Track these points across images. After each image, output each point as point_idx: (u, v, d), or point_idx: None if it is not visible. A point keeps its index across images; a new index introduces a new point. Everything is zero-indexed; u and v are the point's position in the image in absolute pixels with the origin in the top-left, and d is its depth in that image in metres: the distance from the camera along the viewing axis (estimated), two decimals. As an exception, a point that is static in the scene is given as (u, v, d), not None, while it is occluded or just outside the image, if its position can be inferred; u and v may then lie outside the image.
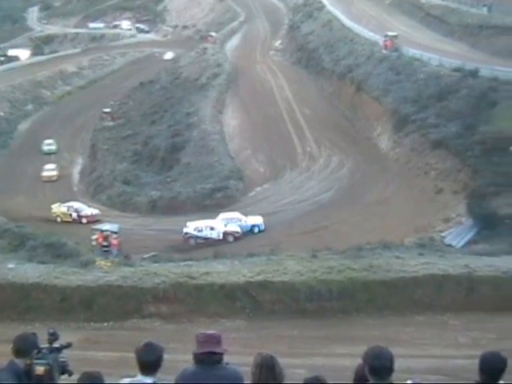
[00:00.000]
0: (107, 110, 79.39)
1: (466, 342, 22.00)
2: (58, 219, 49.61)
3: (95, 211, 50.40)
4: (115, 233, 40.86)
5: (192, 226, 43.69)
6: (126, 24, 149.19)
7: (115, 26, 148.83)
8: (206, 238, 43.02)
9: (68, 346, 6.87)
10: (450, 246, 37.40)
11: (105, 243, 40.05)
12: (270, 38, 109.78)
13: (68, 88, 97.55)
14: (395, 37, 69.73)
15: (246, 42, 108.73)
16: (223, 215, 45.59)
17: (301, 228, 43.95)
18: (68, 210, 50.11)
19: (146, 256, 37.23)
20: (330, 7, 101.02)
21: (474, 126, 48.37)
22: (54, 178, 62.40)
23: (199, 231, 43.37)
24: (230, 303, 28.82)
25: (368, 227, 41.47)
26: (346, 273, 28.01)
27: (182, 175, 58.09)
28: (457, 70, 57.54)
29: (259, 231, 44.58)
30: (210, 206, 50.61)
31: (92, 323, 29.07)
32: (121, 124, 76.42)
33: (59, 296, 29.78)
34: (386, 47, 69.09)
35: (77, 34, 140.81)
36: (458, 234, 39.26)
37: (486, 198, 41.34)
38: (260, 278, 29.41)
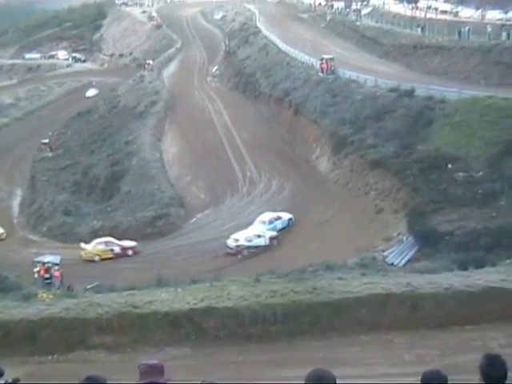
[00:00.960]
0: (45, 140, 77.96)
1: (411, 360, 21.88)
2: (97, 258, 47.02)
3: (132, 242, 48.59)
4: (57, 264, 40.14)
5: (241, 237, 44.60)
6: (62, 54, 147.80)
7: (51, 56, 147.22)
8: (256, 247, 44.35)
9: (15, 381, 6.57)
10: (392, 264, 37.64)
11: (47, 275, 39.30)
12: (207, 64, 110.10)
13: (5, 120, 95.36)
14: (331, 59, 70.59)
15: (183, 69, 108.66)
16: (260, 217, 47.62)
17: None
18: (107, 245, 47.96)
19: (88, 286, 36.50)
20: (265, 32, 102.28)
21: (412, 145, 49.15)
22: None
23: (249, 241, 44.29)
24: (175, 331, 28.18)
25: (310, 249, 41.53)
26: (290, 296, 27.67)
27: (123, 204, 57.42)
28: (393, 90, 58.41)
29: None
30: (151, 233, 50.24)
31: (36, 357, 28.02)
32: (60, 154, 75.32)
33: (1, 331, 28.77)
34: (322, 70, 69.88)
35: (13, 64, 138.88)
36: (399, 253, 39.59)
37: (425, 215, 41.88)
38: (204, 304, 28.85)
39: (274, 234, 45.76)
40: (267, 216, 47.90)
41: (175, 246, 48.07)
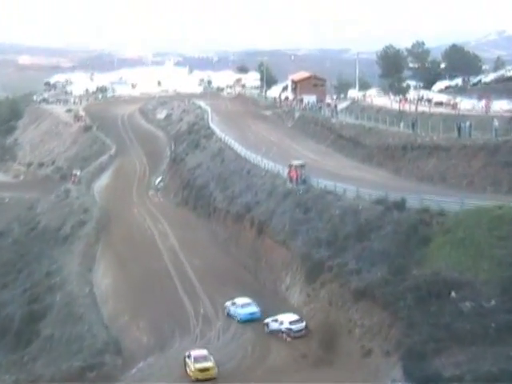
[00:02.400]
0: None
1: None
2: None
3: None
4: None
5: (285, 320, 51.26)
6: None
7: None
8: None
9: None
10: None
11: None
12: (148, 175, 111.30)
13: None
14: (302, 166, 71.07)
15: (118, 181, 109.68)
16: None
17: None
18: None
19: None
20: (220, 134, 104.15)
21: (405, 269, 48.55)
22: None
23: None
24: None
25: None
26: None
27: (44, 352, 56.71)
28: (379, 202, 58.44)
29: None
30: (81, 389, 49.31)
31: None
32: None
33: None
34: (290, 179, 70.52)
35: None
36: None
37: (425, 357, 41.24)
38: None
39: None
40: None
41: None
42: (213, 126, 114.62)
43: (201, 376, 45.62)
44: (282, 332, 51.15)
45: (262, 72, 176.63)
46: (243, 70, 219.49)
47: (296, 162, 71.90)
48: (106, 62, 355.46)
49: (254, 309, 55.94)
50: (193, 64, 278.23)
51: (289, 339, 50.46)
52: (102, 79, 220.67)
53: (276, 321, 52.12)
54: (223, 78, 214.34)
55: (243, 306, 56.15)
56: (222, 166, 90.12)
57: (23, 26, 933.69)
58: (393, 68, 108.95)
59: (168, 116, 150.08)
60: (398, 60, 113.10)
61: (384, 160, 78.49)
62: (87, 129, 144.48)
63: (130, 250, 77.15)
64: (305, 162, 72.59)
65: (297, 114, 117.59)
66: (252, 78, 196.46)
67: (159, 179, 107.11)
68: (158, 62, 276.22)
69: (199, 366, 45.84)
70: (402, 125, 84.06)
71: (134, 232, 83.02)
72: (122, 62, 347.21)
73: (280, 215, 66.08)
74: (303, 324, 51.29)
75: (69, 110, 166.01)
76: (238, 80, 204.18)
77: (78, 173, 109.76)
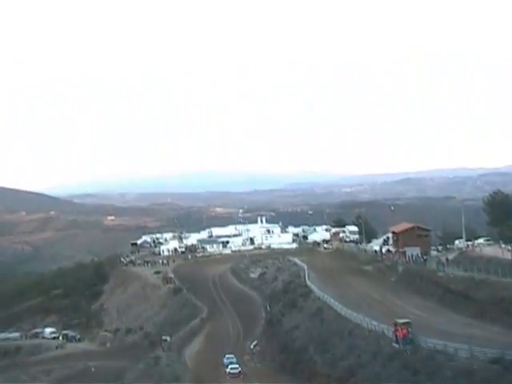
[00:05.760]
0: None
1: None
2: None
3: None
4: None
5: None
6: (49, 331, 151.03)
7: (35, 335, 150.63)
8: None
9: None
10: None
11: None
12: (242, 338, 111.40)
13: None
14: (408, 324, 70.42)
15: (210, 346, 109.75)
16: None
17: None
18: None
19: None
20: (318, 292, 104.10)
21: None
22: None
23: None
24: None
25: None
26: None
27: None
28: (494, 361, 57.28)
29: None
30: None
31: None
32: None
33: None
34: (396, 339, 70.00)
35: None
36: None
37: None
38: None
39: None
40: None
41: None
42: (310, 283, 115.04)
43: None
44: None
45: (360, 224, 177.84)
46: (340, 222, 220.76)
47: (401, 321, 71.19)
48: (194, 220, 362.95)
49: None
50: (286, 219, 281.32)
51: None
52: (191, 238, 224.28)
53: None
54: (319, 233, 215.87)
55: None
56: (322, 327, 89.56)
57: (108, 188, 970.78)
58: (502, 214, 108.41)
59: (262, 275, 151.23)
60: (507, 206, 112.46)
61: (498, 315, 77.04)
62: (177, 291, 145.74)
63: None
64: (411, 320, 71.88)
65: (400, 268, 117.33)
66: (350, 231, 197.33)
67: (254, 343, 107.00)
68: (249, 218, 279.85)
69: None
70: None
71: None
72: (211, 219, 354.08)
73: (387, 378, 65.14)
74: None
75: (157, 272, 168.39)
76: (335, 234, 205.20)
77: (168, 338, 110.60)
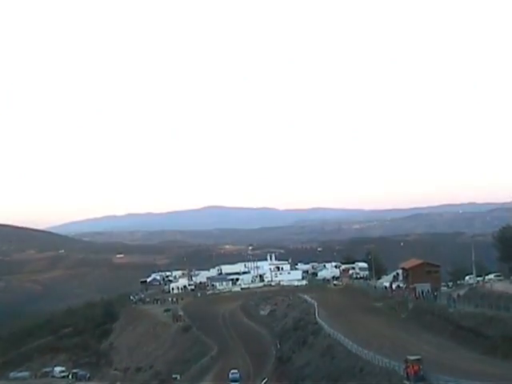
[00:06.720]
0: None
1: None
2: None
3: None
4: None
5: None
6: (59, 370, 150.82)
7: (45, 374, 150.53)
8: None
9: None
10: None
11: None
12: (253, 377, 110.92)
13: None
14: (419, 361, 70.01)
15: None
16: None
17: None
18: None
19: None
20: (328, 329, 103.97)
21: None
22: None
23: None
24: None
25: None
26: None
27: None
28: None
29: None
30: None
31: None
32: None
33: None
34: (408, 376, 69.61)
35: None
36: None
37: None
38: None
39: None
40: None
41: None
42: (320, 320, 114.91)
43: None
44: None
45: (369, 261, 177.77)
46: (349, 259, 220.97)
47: (412, 357, 70.71)
48: (203, 258, 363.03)
49: None
50: (295, 256, 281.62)
51: None
52: (200, 275, 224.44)
53: None
54: (329, 269, 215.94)
55: None
56: (333, 364, 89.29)
57: (117, 226, 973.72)
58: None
59: (272, 312, 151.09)
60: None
61: (510, 351, 76.79)
62: (186, 329, 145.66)
63: None
64: (422, 357, 71.65)
65: (410, 305, 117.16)
66: (359, 268, 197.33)
67: (265, 381, 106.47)
68: (258, 255, 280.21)
69: None
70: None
71: None
72: (220, 256, 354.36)
73: (399, 417, 65.05)
74: None
75: (167, 310, 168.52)
76: (345, 270, 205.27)
77: (178, 377, 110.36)
